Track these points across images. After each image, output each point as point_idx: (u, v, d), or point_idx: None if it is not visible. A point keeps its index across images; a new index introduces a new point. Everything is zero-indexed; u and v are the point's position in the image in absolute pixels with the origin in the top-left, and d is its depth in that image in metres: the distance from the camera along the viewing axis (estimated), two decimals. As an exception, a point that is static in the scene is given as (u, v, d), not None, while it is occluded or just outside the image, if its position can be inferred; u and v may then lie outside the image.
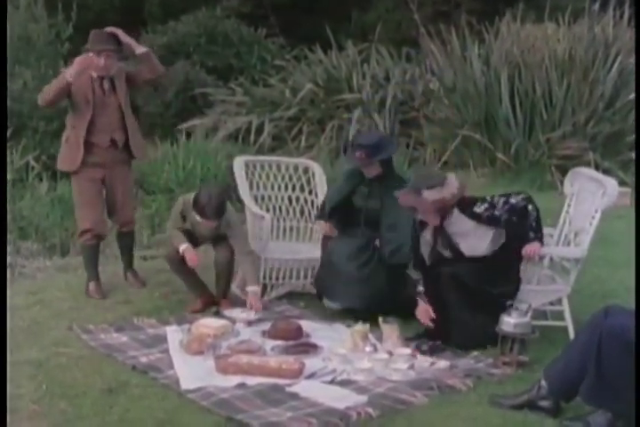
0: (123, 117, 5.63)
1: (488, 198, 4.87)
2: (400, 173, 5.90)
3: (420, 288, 4.92)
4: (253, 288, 5.33)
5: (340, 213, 5.45)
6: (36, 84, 9.83)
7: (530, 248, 4.80)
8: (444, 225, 4.85)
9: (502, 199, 4.84)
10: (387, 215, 5.25)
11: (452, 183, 4.80)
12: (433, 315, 4.85)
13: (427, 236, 4.94)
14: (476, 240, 4.85)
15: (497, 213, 4.80)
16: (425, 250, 4.95)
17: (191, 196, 5.31)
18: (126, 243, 6.01)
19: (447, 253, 4.90)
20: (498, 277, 4.82)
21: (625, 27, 10.83)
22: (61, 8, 10.93)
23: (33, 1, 10.77)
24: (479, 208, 4.82)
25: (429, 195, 4.74)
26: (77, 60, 5.45)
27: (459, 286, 4.78)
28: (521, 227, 4.80)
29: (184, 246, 5.30)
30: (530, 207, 4.81)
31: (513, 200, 4.83)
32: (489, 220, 4.80)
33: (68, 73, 5.41)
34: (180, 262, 5.36)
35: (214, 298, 5.51)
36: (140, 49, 5.62)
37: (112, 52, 5.50)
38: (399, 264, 5.08)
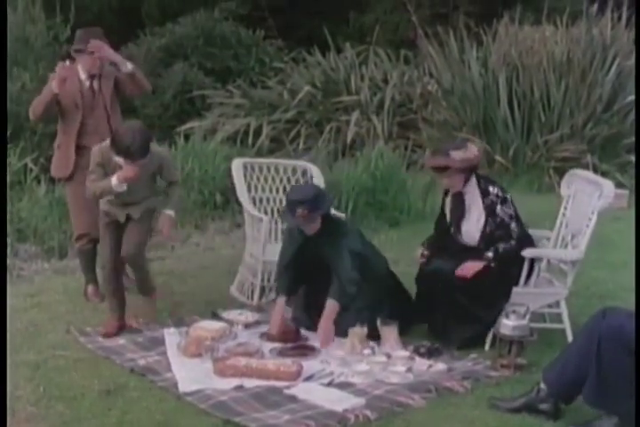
0: (109, 119, 5.59)
1: (498, 188, 5.03)
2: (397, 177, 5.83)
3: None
4: (169, 212, 5.10)
5: (294, 269, 5.15)
6: (34, 85, 9.83)
7: (467, 268, 4.85)
8: (462, 192, 5.02)
9: (507, 196, 5.02)
10: (336, 261, 4.95)
11: (473, 147, 5.08)
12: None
13: (448, 206, 5.15)
14: (471, 226, 5.02)
15: (497, 206, 4.97)
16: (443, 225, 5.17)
17: (107, 142, 4.92)
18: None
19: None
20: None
21: (623, 29, 10.84)
22: (59, 9, 10.93)
23: (31, 2, 10.76)
24: (493, 189, 5.00)
25: (457, 155, 4.94)
26: (58, 69, 5.39)
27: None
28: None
29: (114, 177, 4.85)
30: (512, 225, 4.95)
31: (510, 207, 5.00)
32: (489, 206, 4.96)
33: (54, 84, 5.37)
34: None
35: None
36: (127, 67, 5.54)
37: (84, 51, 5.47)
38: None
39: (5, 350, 4.13)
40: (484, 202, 4.97)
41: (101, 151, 4.93)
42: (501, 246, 4.89)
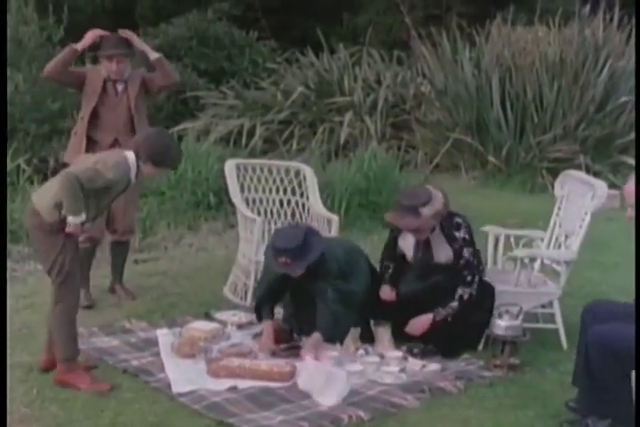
0: (131, 121, 5.54)
1: (464, 230, 4.83)
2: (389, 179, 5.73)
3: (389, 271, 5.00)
4: (79, 218, 4.21)
5: (275, 294, 5.04)
6: (27, 87, 9.82)
7: (416, 327, 4.79)
8: (429, 238, 4.86)
9: (471, 236, 4.85)
10: (319, 296, 4.79)
11: (437, 194, 4.77)
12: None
13: (406, 245, 4.95)
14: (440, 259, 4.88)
15: (464, 249, 4.80)
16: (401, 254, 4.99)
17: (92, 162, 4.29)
18: (120, 253, 5.86)
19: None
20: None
21: (615, 30, 10.87)
22: (52, 10, 10.89)
23: (24, 3, 10.74)
24: (459, 233, 4.80)
25: (427, 211, 4.70)
26: (89, 33, 5.43)
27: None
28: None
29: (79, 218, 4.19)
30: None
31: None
32: (457, 250, 4.80)
33: (78, 44, 5.40)
34: None
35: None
36: (154, 55, 5.56)
37: (123, 57, 5.48)
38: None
39: (5, 350, 4.13)
40: (451, 246, 4.80)
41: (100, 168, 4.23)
42: (466, 293, 4.76)
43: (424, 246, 4.86)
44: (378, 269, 5.13)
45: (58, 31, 10.83)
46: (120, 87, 5.52)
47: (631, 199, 3.77)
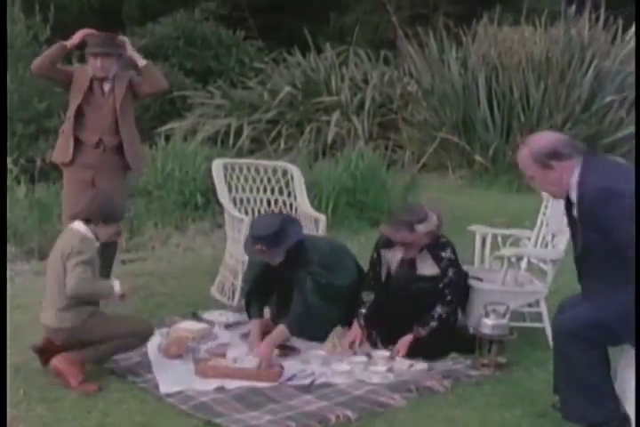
0: (117, 122, 5.49)
1: (449, 250, 4.84)
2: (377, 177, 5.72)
3: (363, 311, 4.90)
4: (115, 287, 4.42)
5: (261, 292, 5.08)
6: (14, 86, 9.80)
7: (400, 350, 4.75)
8: (415, 257, 4.86)
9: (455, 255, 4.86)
10: (297, 287, 4.79)
11: (432, 215, 4.83)
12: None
13: (391, 263, 4.94)
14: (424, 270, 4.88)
15: (449, 269, 4.81)
16: (384, 273, 4.97)
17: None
18: (108, 253, 5.82)
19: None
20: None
21: (600, 30, 10.93)
22: (39, 9, 10.88)
23: (10, 2, 10.71)
24: (445, 253, 4.81)
25: (422, 229, 4.74)
26: (78, 32, 5.43)
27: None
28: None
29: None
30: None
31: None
32: (443, 269, 4.80)
33: (68, 41, 5.39)
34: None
35: None
36: (142, 62, 5.53)
37: (109, 55, 5.46)
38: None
39: (5, 350, 4.12)
40: (438, 265, 4.80)
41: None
42: (444, 312, 4.76)
43: (409, 263, 4.88)
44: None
45: (44, 30, 10.83)
46: (107, 87, 5.50)
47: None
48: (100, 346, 4.37)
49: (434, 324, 4.74)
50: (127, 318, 4.68)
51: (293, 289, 4.81)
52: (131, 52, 5.56)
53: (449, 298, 4.78)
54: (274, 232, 4.66)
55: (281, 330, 4.70)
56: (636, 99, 9.40)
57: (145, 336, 4.49)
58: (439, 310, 4.75)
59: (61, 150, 5.53)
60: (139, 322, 4.60)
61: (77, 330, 4.35)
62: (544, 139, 3.83)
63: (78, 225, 4.46)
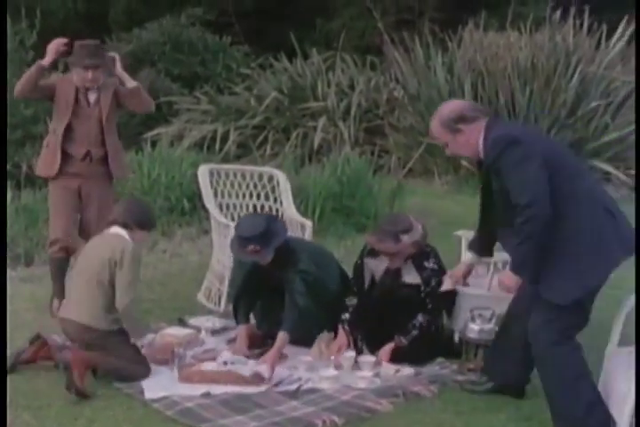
0: (102, 132, 5.46)
1: (432, 260, 4.85)
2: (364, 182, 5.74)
3: (347, 315, 4.90)
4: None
5: (248, 296, 5.06)
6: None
7: (383, 358, 4.74)
8: (400, 267, 4.87)
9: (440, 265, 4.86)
10: (288, 287, 4.80)
11: (417, 225, 4.84)
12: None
13: (376, 272, 4.94)
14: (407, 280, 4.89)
15: (432, 279, 4.81)
16: (368, 280, 4.97)
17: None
18: None
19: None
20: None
21: (585, 36, 10.99)
22: (25, 15, 10.85)
23: (-5, 8, 10.69)
24: (428, 263, 4.82)
25: (407, 239, 4.75)
26: (51, 45, 5.33)
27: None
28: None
29: None
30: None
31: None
32: (426, 279, 4.81)
33: (45, 60, 5.32)
34: None
35: None
36: (131, 83, 5.47)
37: (100, 67, 5.41)
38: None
39: (5, 350, 4.10)
40: (421, 275, 4.81)
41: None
42: (425, 320, 4.76)
43: (394, 272, 4.88)
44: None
45: (30, 35, 10.78)
46: (92, 97, 5.45)
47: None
48: (113, 360, 4.42)
49: (415, 332, 4.74)
50: (140, 353, 4.64)
51: (280, 293, 4.82)
52: (120, 71, 5.50)
53: (430, 306, 4.79)
54: (261, 232, 4.68)
55: (284, 337, 4.69)
56: (637, 99, 9.42)
57: (133, 378, 4.44)
58: (420, 318, 4.76)
59: (47, 164, 5.49)
60: (144, 363, 4.56)
61: (105, 335, 4.41)
62: (450, 106, 4.05)
63: (120, 230, 4.52)
